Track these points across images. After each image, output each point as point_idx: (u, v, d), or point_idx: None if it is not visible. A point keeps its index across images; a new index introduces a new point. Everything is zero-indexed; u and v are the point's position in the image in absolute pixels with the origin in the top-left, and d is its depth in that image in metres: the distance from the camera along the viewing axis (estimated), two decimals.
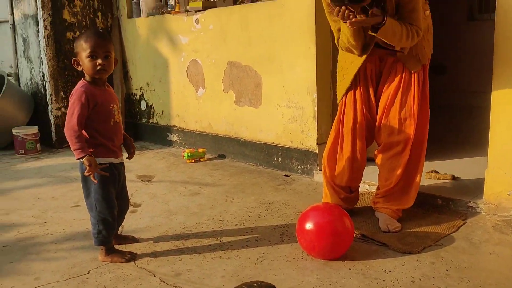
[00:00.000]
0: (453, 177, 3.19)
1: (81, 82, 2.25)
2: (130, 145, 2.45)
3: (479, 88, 5.62)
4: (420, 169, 2.65)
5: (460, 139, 4.43)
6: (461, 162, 3.60)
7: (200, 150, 4.26)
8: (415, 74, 2.54)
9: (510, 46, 2.56)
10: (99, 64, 2.20)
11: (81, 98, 2.18)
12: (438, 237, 2.44)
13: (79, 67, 2.25)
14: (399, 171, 2.59)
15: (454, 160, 3.65)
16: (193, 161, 4.18)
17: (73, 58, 2.26)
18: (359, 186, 2.87)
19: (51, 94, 4.78)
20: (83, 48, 2.20)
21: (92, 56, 2.19)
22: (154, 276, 2.19)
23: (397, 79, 2.56)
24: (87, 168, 2.13)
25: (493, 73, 2.64)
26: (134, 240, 2.57)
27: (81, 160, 2.18)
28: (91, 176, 2.16)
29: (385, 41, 2.39)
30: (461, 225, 2.58)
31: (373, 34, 2.35)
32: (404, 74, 2.54)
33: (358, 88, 2.64)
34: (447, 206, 2.85)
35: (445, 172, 3.24)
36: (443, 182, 3.14)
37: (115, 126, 2.30)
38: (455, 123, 5.27)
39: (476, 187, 2.94)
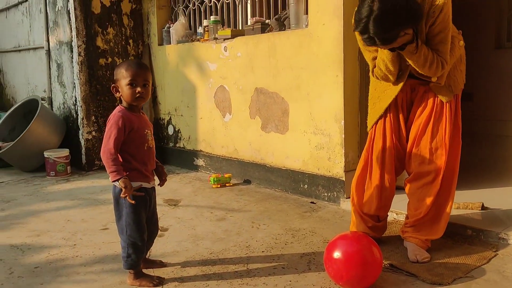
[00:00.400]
0: (483, 207, 3.14)
1: (118, 108, 2.33)
2: (162, 172, 2.50)
3: (506, 117, 5.56)
4: (451, 200, 2.61)
5: (488, 168, 4.36)
6: (490, 191, 3.54)
7: (226, 175, 4.29)
8: (447, 104, 2.54)
9: None
10: (138, 92, 2.28)
11: (118, 122, 2.25)
12: (469, 268, 2.40)
13: (117, 93, 2.32)
14: (429, 201, 2.56)
15: (483, 189, 3.60)
16: (219, 186, 4.21)
17: (113, 85, 2.34)
18: (387, 215, 2.85)
19: (82, 118, 4.91)
20: (123, 76, 2.28)
21: (132, 84, 2.27)
22: None
23: (428, 108, 2.56)
24: (123, 190, 2.19)
25: None
26: (161, 264, 2.59)
27: (115, 182, 2.24)
28: (127, 197, 2.20)
29: (411, 63, 2.40)
30: (492, 257, 2.53)
31: (400, 51, 2.37)
32: (436, 103, 2.55)
33: (389, 116, 2.65)
34: (478, 237, 2.80)
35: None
36: (473, 213, 3.09)
37: (148, 151, 2.36)
38: (482, 152, 5.20)
39: (507, 218, 2.89)
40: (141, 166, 2.33)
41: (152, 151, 2.41)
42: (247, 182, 4.32)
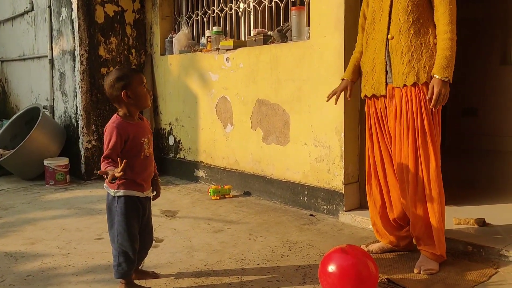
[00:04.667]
0: (484, 223, 3.08)
1: (114, 118, 2.30)
2: (156, 185, 2.46)
3: (511, 133, 5.51)
4: (436, 211, 2.51)
5: (491, 184, 4.30)
6: (493, 207, 3.47)
7: (226, 187, 4.25)
8: (419, 97, 2.49)
9: None
10: (151, 95, 2.34)
11: (113, 133, 2.22)
12: (469, 286, 2.34)
13: (129, 99, 2.28)
14: (416, 211, 2.55)
15: (485, 205, 3.54)
16: (218, 197, 4.17)
17: (124, 91, 2.25)
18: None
19: (83, 127, 4.90)
20: (139, 81, 2.29)
21: (145, 85, 2.31)
22: None
23: (404, 115, 2.55)
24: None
25: None
26: (154, 275, 2.54)
27: (108, 191, 2.22)
28: (109, 176, 2.08)
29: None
30: (493, 274, 2.47)
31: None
32: (411, 107, 2.52)
33: (374, 126, 2.73)
34: (478, 253, 2.73)
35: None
36: (474, 228, 3.03)
37: (145, 160, 2.32)
38: (486, 167, 5.14)
39: (508, 234, 2.83)
40: (136, 176, 2.29)
41: (150, 159, 2.37)
42: (247, 194, 4.28)
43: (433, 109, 2.44)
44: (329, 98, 2.90)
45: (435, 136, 2.50)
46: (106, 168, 2.12)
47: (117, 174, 2.06)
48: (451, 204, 3.49)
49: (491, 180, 4.49)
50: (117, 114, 2.32)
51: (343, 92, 2.88)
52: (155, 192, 2.46)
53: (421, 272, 2.48)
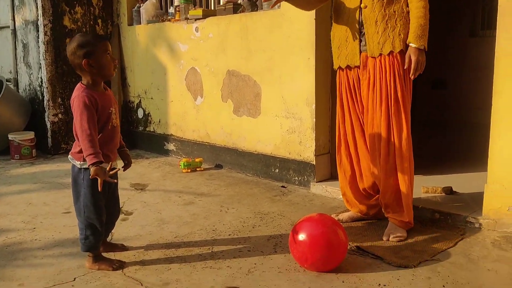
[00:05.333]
0: (451, 192, 3.14)
1: (79, 87, 2.20)
2: (126, 155, 2.40)
3: (479, 105, 5.59)
4: (406, 179, 2.54)
5: (459, 154, 4.38)
6: (460, 177, 3.54)
7: (197, 160, 4.21)
8: (393, 65, 2.49)
9: (509, 64, 2.52)
10: (115, 64, 2.23)
11: (85, 101, 2.12)
12: (435, 251, 2.38)
13: (91, 68, 2.18)
14: (385, 179, 2.57)
15: (452, 175, 3.60)
16: (189, 170, 4.12)
17: (85, 60, 2.15)
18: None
19: (48, 100, 4.75)
20: (103, 49, 2.18)
21: (110, 53, 2.21)
22: (141, 285, 2.12)
23: (378, 85, 2.54)
24: (90, 180, 2.11)
25: (493, 89, 2.60)
26: (123, 248, 2.50)
27: (74, 163, 2.15)
28: (99, 184, 2.07)
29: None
30: (459, 240, 2.52)
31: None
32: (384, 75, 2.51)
33: (346, 96, 2.71)
34: (445, 221, 2.78)
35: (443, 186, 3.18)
36: (442, 197, 3.08)
37: (112, 130, 2.25)
38: (454, 139, 5.23)
39: (475, 203, 2.89)
40: (102, 146, 2.22)
41: (117, 130, 2.30)
42: (218, 166, 4.24)
43: (411, 77, 2.46)
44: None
45: (407, 104, 2.51)
46: (95, 169, 2.05)
47: (108, 180, 2.08)
48: (420, 174, 3.54)
49: (459, 150, 4.57)
50: (81, 83, 2.23)
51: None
52: (126, 162, 2.40)
53: (390, 239, 2.51)
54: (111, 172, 2.09)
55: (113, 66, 2.23)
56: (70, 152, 2.24)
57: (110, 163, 2.12)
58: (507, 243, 2.48)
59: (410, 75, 2.44)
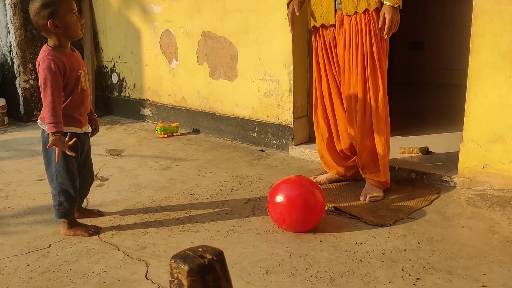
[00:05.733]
0: (428, 152, 3.16)
1: (45, 49, 2.10)
2: (94, 121, 2.33)
3: (456, 66, 5.62)
4: (382, 139, 2.54)
5: (435, 115, 4.41)
6: (436, 137, 3.57)
7: (174, 125, 4.15)
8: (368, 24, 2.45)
9: (486, 21, 2.50)
10: (82, 24, 2.13)
11: (51, 66, 2.04)
12: (411, 210, 2.41)
13: (56, 29, 2.07)
14: (362, 140, 2.57)
15: (429, 135, 3.63)
16: (166, 135, 4.07)
17: (51, 20, 2.04)
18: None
19: (18, 66, 4.59)
20: (68, 8, 2.07)
21: (75, 13, 2.10)
22: (118, 249, 2.11)
23: (353, 46, 2.49)
24: (55, 148, 2.03)
25: (470, 48, 2.59)
26: (99, 214, 2.47)
27: (44, 128, 2.10)
28: (56, 154, 2.03)
29: None
30: (435, 199, 2.55)
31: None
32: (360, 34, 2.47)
33: (322, 56, 2.66)
34: (421, 180, 2.81)
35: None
36: (418, 157, 3.11)
37: (82, 93, 2.18)
38: (431, 100, 5.26)
39: (451, 162, 2.92)
40: (73, 111, 2.16)
41: (86, 93, 2.23)
42: (195, 131, 4.20)
43: (385, 36, 2.42)
44: (291, 29, 2.71)
45: (383, 64, 2.48)
46: (53, 139, 1.99)
47: (68, 153, 2.03)
48: (397, 135, 3.56)
49: (436, 111, 4.61)
50: (47, 45, 2.13)
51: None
52: (93, 127, 2.34)
53: (367, 200, 2.53)
54: (70, 142, 2.03)
55: (80, 26, 2.13)
56: (39, 117, 2.16)
57: (68, 134, 2.05)
58: (481, 200, 2.52)
59: (384, 34, 2.41)
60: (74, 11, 2.10)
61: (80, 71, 2.17)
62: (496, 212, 2.38)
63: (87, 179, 2.35)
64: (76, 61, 2.18)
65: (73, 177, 2.18)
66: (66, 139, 2.03)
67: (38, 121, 2.17)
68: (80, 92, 2.17)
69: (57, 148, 2.01)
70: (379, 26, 2.41)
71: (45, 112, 2.03)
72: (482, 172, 2.64)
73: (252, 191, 2.78)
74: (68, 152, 2.04)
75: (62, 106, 2.10)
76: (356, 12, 2.45)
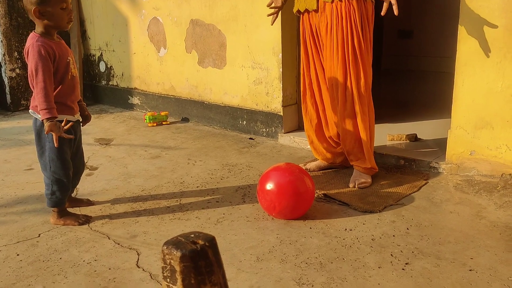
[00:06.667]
0: (416, 138, 3.19)
1: (33, 36, 2.07)
2: (84, 109, 2.30)
3: (444, 53, 5.65)
4: (365, 126, 2.55)
5: (424, 103, 4.44)
6: (425, 124, 3.60)
7: (162, 113, 4.13)
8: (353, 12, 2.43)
9: (474, 8, 2.51)
10: (70, 18, 2.10)
11: (41, 52, 2.02)
12: (400, 196, 2.43)
13: (42, 17, 2.05)
14: (344, 127, 2.59)
15: (418, 122, 3.65)
16: (155, 124, 4.05)
17: (35, 7, 2.02)
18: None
19: (4, 54, 4.53)
20: (58, 1, 2.04)
21: (66, 7, 2.06)
22: (109, 238, 2.10)
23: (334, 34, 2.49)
24: (52, 134, 2.02)
25: (458, 35, 2.60)
26: (89, 203, 2.46)
27: (36, 117, 2.09)
28: (54, 139, 2.02)
29: None
30: (423, 185, 2.58)
31: None
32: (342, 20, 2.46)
33: (309, 43, 2.64)
34: (410, 167, 2.84)
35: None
36: (406, 143, 3.13)
37: (72, 80, 2.16)
38: (420, 87, 5.29)
39: (439, 148, 2.95)
40: (65, 98, 2.14)
41: (76, 80, 2.21)
42: (185, 120, 4.18)
43: (359, 25, 2.41)
44: (272, 18, 2.75)
45: (364, 52, 2.48)
46: (49, 124, 1.99)
47: (66, 136, 2.03)
48: (386, 122, 3.58)
49: (425, 98, 4.64)
50: (34, 31, 2.10)
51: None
52: (86, 113, 2.32)
53: (356, 186, 2.55)
54: (65, 127, 2.02)
55: (67, 19, 2.09)
56: (30, 106, 2.14)
57: (65, 119, 2.05)
58: (469, 186, 2.55)
59: (396, 12, 2.30)
60: (65, 5, 2.06)
61: (68, 58, 2.16)
62: (483, 197, 2.41)
63: (79, 168, 2.33)
64: (63, 48, 2.16)
65: (67, 166, 2.17)
66: (62, 124, 2.02)
67: (30, 110, 2.15)
68: (70, 79, 2.16)
69: (53, 134, 2.00)
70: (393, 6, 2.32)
71: (38, 98, 2.01)
72: (470, 158, 2.67)
73: (242, 179, 2.79)
74: (65, 136, 2.03)
75: (55, 93, 2.08)
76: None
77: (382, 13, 2.33)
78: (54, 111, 2.02)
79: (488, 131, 2.59)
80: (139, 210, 2.39)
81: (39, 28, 2.09)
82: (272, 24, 2.79)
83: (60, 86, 2.11)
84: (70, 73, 2.15)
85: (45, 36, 2.08)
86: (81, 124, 2.32)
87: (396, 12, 2.31)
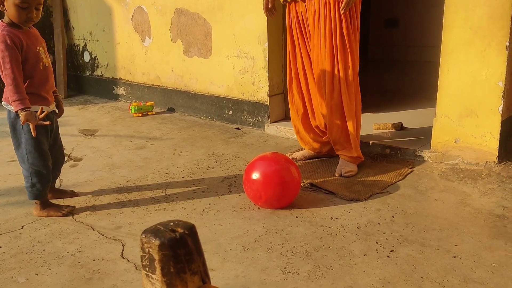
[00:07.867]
0: (402, 127, 3.20)
1: (0, 25, 2.04)
2: (58, 100, 2.26)
3: (430, 43, 5.67)
4: (351, 115, 2.55)
5: (410, 92, 4.45)
6: (410, 113, 3.61)
7: (148, 104, 4.09)
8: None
9: None
10: (30, 17, 2.02)
11: (7, 41, 1.97)
12: (385, 185, 2.44)
13: (3, 8, 2.02)
14: (330, 116, 2.59)
15: (403, 111, 3.67)
16: (140, 115, 4.02)
17: None
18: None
19: None
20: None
21: (24, 7, 1.99)
22: (93, 229, 2.08)
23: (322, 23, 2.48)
24: (29, 124, 1.98)
25: (443, 24, 2.60)
26: (73, 194, 2.43)
27: (9, 109, 2.03)
28: (31, 129, 1.99)
29: None
30: (408, 173, 2.59)
31: None
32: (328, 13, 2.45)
33: (296, 32, 2.63)
34: (395, 155, 2.85)
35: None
36: (392, 132, 3.14)
37: (45, 70, 2.12)
38: (406, 77, 5.30)
39: (424, 137, 2.96)
40: (38, 89, 2.10)
41: (49, 70, 2.17)
42: (170, 110, 4.15)
43: (341, 12, 2.38)
44: (269, 14, 2.72)
45: (352, 41, 2.47)
46: (24, 114, 1.95)
47: (40, 123, 2.00)
48: (372, 111, 3.59)
49: (410, 88, 4.65)
50: (2, 20, 2.06)
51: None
52: (59, 105, 2.28)
53: (342, 175, 2.55)
54: (41, 116, 1.99)
55: (25, 18, 2.02)
56: (3, 98, 2.10)
57: (41, 107, 2.02)
58: (454, 174, 2.57)
59: (341, 9, 2.36)
60: (27, 5, 1.99)
61: (38, 48, 2.11)
62: (467, 185, 2.43)
63: (58, 158, 2.30)
64: (33, 37, 2.11)
65: (45, 157, 2.14)
66: (38, 112, 1.99)
67: (3, 102, 2.11)
68: (42, 69, 2.11)
69: (30, 124, 1.97)
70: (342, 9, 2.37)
71: (8, 90, 1.98)
72: (455, 146, 2.68)
73: (228, 169, 2.78)
74: (43, 123, 2.00)
75: (27, 85, 2.05)
76: None
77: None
78: (27, 101, 1.98)
79: (473, 119, 2.60)
80: (124, 201, 2.37)
81: (7, 17, 2.05)
82: (267, 15, 2.73)
83: (32, 77, 2.07)
84: (41, 63, 2.10)
85: (12, 25, 2.04)
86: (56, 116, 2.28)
87: (342, 10, 2.36)
